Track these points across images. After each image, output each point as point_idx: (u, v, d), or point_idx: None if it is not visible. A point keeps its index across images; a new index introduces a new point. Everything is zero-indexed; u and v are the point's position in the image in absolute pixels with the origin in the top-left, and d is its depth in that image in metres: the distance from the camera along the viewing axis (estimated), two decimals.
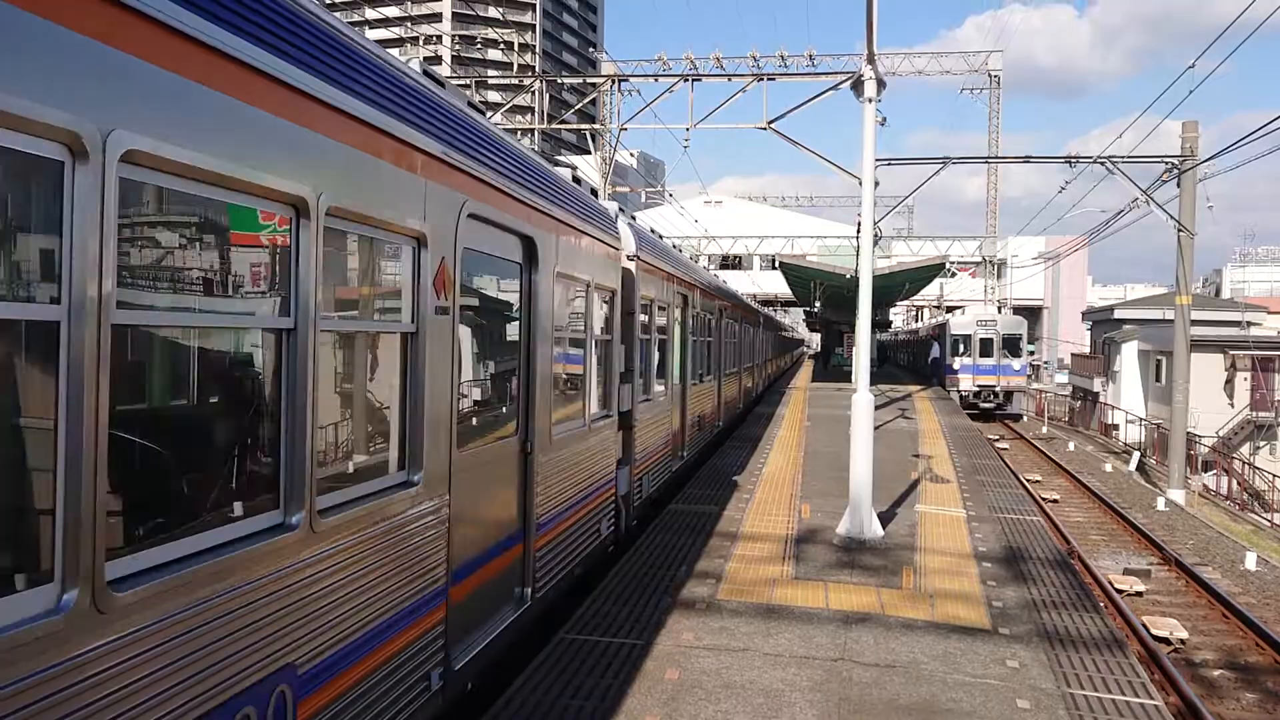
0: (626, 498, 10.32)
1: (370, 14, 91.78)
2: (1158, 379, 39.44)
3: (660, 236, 14.41)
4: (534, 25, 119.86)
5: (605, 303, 9.26)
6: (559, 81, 34.31)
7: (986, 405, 40.08)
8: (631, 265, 10.46)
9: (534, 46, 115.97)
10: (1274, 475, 27.22)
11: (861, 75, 11.00)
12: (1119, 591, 13.94)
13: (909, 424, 22.25)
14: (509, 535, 6.49)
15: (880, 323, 52.73)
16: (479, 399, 6.28)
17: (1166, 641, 11.90)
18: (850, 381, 13.37)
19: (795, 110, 23.35)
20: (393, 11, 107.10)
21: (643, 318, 11.21)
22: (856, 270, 12.34)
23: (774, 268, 49.96)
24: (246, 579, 3.35)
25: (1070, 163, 25.97)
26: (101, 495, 2.68)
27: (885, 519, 11.12)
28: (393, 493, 4.59)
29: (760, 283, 56.95)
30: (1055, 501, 21.32)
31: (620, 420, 9.89)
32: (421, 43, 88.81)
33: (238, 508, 3.52)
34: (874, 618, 7.67)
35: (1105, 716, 5.89)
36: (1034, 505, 14.70)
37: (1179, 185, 24.29)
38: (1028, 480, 23.01)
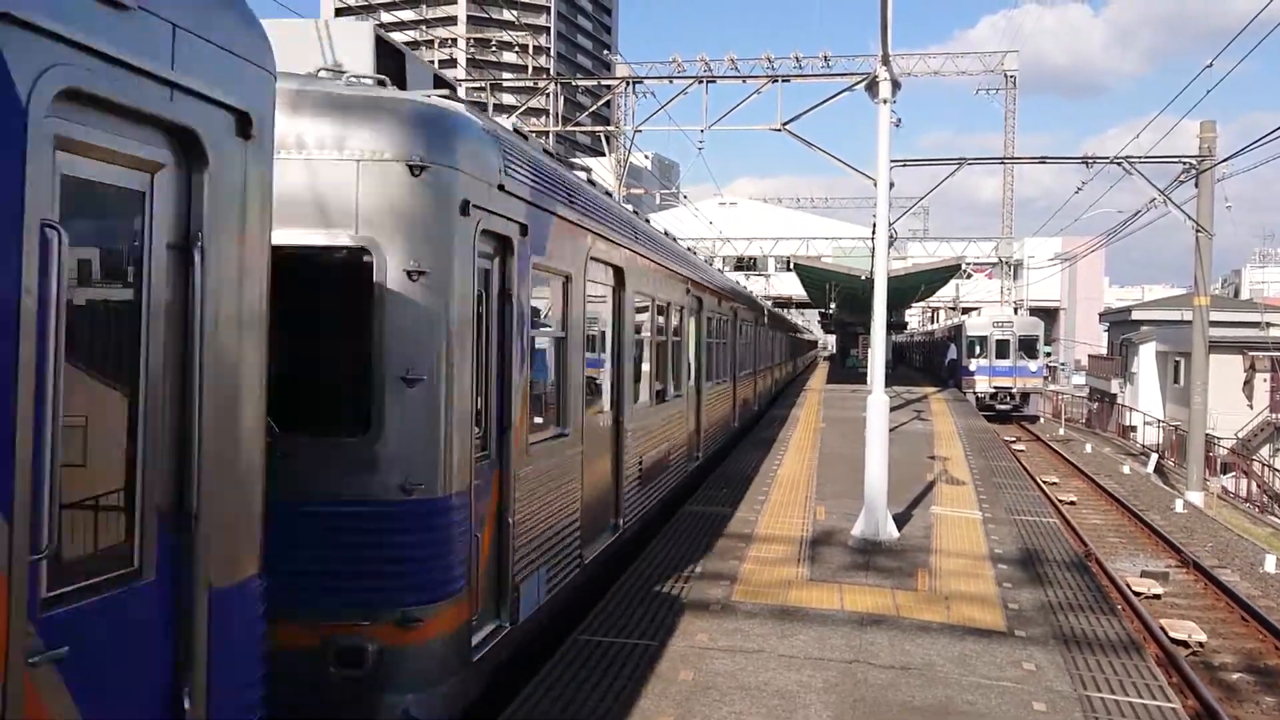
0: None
1: (386, 17, 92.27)
2: (1176, 380, 39.16)
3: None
4: (548, 28, 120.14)
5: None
6: (573, 84, 34.39)
7: (1003, 407, 39.87)
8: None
9: (548, 49, 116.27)
10: None
11: (876, 76, 10.99)
12: (1136, 594, 13.85)
13: (924, 426, 22.17)
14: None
15: (896, 324, 52.53)
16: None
17: (1185, 644, 11.82)
18: (865, 383, 13.36)
19: (810, 112, 23.33)
20: (408, 15, 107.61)
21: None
22: (871, 272, 12.32)
23: (789, 269, 49.86)
24: None
25: (1087, 163, 25.82)
26: None
27: (900, 521, 11.09)
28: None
29: (775, 285, 56.83)
30: (1072, 503, 21.20)
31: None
32: (437, 45, 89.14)
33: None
34: (889, 619, 7.65)
35: (1122, 719, 5.86)
36: (1050, 507, 14.65)
37: (1197, 185, 24.10)
38: (1044, 482, 22.88)
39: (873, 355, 11.43)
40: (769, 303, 31.56)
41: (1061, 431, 37.89)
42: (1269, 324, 39.43)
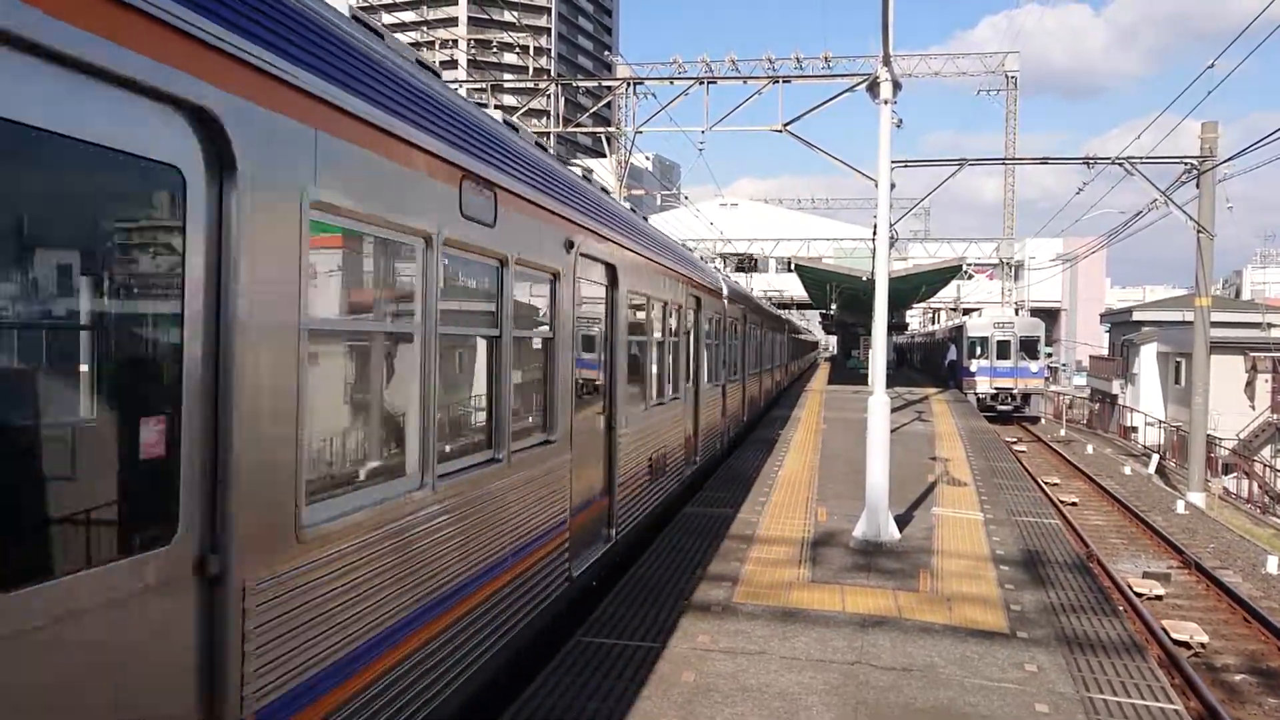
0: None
1: (387, 19, 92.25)
2: (1177, 381, 39.13)
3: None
4: (549, 29, 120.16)
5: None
6: (574, 85, 34.38)
7: (1004, 408, 39.85)
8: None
9: (549, 50, 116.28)
10: None
11: (877, 77, 10.98)
12: (1138, 595, 13.85)
13: (926, 426, 22.16)
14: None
15: (897, 325, 52.54)
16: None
17: (1187, 646, 11.81)
18: (866, 384, 13.43)
19: (811, 112, 23.30)
20: (409, 15, 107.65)
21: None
22: (872, 273, 12.31)
23: (789, 270, 49.82)
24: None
25: (1088, 164, 25.80)
26: None
27: (902, 522, 11.08)
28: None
29: (776, 285, 56.80)
30: (1074, 504, 21.19)
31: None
32: (438, 46, 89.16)
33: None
34: (891, 621, 7.64)
35: None
36: (1052, 508, 14.63)
37: (1198, 186, 24.09)
38: (1046, 483, 22.88)
39: (874, 356, 11.42)
40: (768, 303, 31.99)
41: (1062, 432, 37.87)
42: (1270, 325, 39.40)
